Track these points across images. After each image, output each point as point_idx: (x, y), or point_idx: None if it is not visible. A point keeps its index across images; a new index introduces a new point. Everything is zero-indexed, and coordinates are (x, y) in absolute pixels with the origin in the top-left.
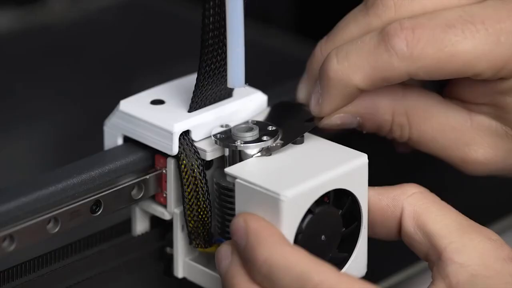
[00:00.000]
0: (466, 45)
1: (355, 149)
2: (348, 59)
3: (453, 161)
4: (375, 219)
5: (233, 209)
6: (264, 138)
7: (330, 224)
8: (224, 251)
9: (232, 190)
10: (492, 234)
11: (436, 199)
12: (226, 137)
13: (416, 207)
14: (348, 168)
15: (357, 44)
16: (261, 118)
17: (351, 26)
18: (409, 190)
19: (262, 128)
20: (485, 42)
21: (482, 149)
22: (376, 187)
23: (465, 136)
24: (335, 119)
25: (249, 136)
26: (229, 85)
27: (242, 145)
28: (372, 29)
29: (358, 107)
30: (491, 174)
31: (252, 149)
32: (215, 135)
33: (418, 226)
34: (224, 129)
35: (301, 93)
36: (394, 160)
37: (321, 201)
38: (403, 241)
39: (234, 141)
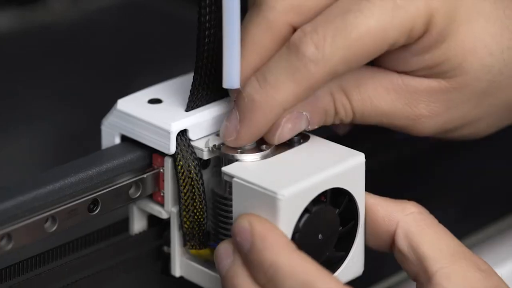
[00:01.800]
0: (369, 23)
1: (352, 148)
2: (268, 81)
3: (401, 123)
4: (368, 228)
5: (229, 217)
6: (263, 147)
7: (327, 223)
8: (225, 249)
9: (227, 199)
10: (482, 264)
11: (434, 221)
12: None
13: (412, 227)
14: (345, 167)
15: (271, 64)
16: None
17: (251, 30)
18: (407, 209)
19: None
20: (385, 11)
21: (422, 103)
22: (376, 196)
23: (401, 95)
24: (286, 123)
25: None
26: (225, 85)
27: (239, 155)
28: (271, 23)
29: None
30: (441, 130)
31: (250, 159)
32: (212, 147)
33: (411, 246)
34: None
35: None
36: (392, 160)
37: (318, 200)
38: (395, 257)
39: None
